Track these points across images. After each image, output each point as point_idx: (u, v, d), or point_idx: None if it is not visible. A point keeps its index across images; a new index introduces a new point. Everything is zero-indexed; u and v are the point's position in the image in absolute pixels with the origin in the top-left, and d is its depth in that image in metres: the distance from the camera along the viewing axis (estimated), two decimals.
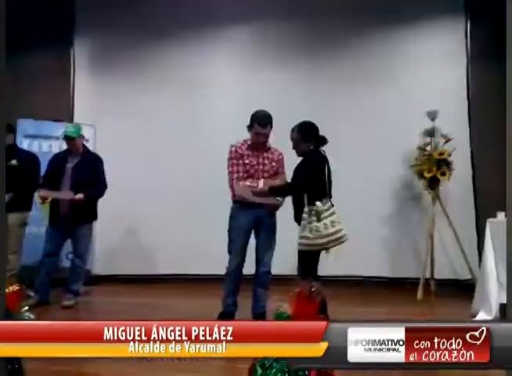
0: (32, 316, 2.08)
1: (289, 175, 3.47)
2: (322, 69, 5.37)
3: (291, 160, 3.44)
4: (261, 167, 3.50)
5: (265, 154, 3.55)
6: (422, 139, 4.73)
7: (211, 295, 3.80)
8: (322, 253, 3.11)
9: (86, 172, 4.27)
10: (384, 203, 5.11)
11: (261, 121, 3.42)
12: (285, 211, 3.43)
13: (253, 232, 3.55)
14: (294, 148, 3.31)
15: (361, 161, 5.05)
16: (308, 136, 3.23)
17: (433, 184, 4.66)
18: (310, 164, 3.19)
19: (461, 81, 5.10)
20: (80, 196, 4.14)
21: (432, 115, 4.65)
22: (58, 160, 4.35)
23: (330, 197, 3.17)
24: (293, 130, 3.30)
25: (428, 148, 4.69)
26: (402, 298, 4.52)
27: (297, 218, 3.18)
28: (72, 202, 4.16)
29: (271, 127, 3.48)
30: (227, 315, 3.47)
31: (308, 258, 3.10)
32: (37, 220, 5.04)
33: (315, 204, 3.00)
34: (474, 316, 3.49)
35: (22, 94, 5.87)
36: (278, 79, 5.42)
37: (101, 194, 4.36)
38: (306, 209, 3.03)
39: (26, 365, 2.10)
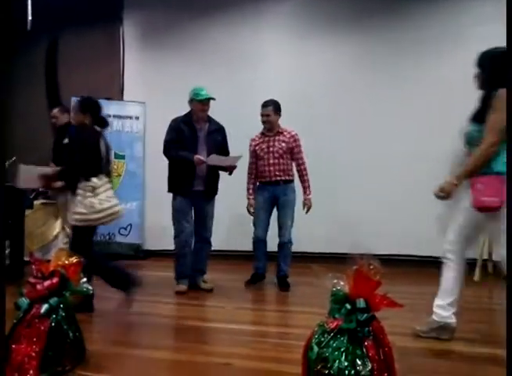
0: (90, 288, 2.14)
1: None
2: (373, 41, 5.12)
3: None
4: (270, 149, 4.00)
5: (277, 137, 4.02)
6: None
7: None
8: None
9: (219, 140, 3.89)
10: (439, 180, 4.87)
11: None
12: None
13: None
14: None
15: (416, 137, 4.84)
16: (85, 108, 3.25)
17: None
18: (83, 142, 3.18)
19: None
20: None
21: None
22: (185, 125, 3.82)
23: (108, 172, 3.26)
24: None
25: None
26: None
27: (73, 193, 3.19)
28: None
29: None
30: (258, 275, 4.13)
31: (82, 233, 3.12)
32: None
33: (90, 180, 3.07)
34: None
35: (73, 72, 6.02)
36: (327, 52, 5.24)
37: None
38: (81, 185, 3.08)
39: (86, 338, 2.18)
